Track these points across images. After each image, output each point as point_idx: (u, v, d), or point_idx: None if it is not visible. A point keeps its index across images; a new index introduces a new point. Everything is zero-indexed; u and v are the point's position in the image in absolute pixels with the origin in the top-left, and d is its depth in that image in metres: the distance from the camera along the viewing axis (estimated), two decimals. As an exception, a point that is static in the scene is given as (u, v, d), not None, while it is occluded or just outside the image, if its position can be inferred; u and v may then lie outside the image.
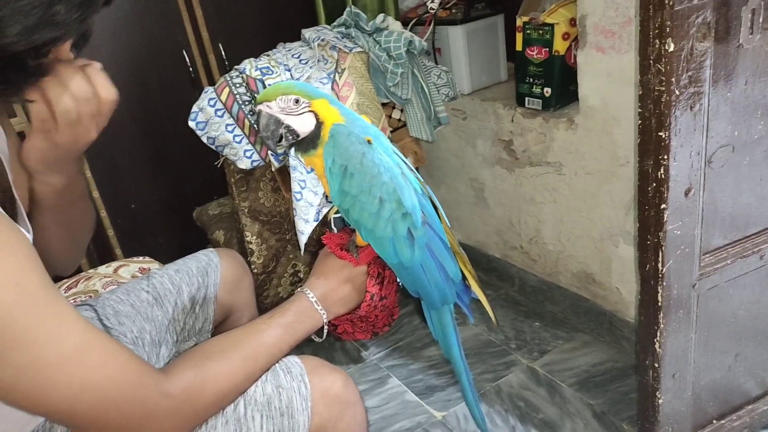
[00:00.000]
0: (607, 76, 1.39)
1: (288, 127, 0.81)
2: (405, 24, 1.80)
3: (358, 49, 1.42)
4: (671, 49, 0.86)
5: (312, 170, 1.29)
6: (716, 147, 0.98)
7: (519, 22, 1.57)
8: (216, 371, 0.72)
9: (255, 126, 1.36)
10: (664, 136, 0.91)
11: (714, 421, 1.24)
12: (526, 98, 1.62)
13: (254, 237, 1.53)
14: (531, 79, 1.59)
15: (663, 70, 0.88)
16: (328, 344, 1.83)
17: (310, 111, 0.82)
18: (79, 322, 0.61)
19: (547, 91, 1.56)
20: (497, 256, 1.96)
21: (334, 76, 1.34)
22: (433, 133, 1.63)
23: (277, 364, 0.80)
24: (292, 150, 0.86)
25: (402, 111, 1.59)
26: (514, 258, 1.90)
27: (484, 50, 1.82)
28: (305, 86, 0.84)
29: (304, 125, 0.82)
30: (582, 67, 1.44)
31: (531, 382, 1.55)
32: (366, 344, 1.80)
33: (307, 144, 0.83)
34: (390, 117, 1.58)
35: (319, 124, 0.82)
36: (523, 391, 1.52)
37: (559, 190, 1.64)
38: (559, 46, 1.51)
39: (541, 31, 1.53)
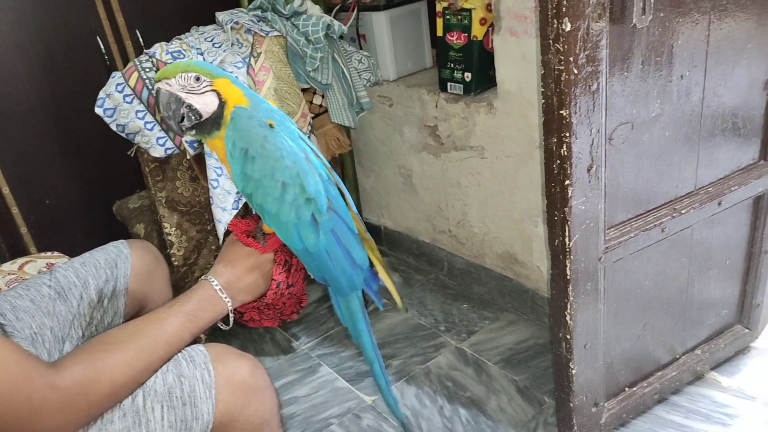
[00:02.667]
0: (522, 60, 1.42)
1: (190, 106, 0.79)
2: (329, 10, 1.78)
3: (275, 33, 1.39)
4: (568, 28, 0.89)
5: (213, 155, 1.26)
6: (616, 125, 1.02)
7: (439, 7, 1.59)
8: (111, 362, 0.69)
9: (156, 107, 1.31)
10: (565, 114, 0.94)
11: (626, 389, 1.30)
12: (448, 83, 1.64)
13: (173, 228, 1.49)
14: (452, 65, 1.61)
15: (561, 49, 0.90)
16: (257, 336, 1.80)
17: (213, 90, 0.80)
18: None
19: (468, 76, 1.59)
20: (427, 241, 1.98)
21: (250, 60, 1.31)
22: (356, 119, 1.62)
23: (179, 354, 0.78)
24: (193, 132, 0.83)
25: (323, 96, 1.57)
26: (443, 242, 1.92)
27: (408, 36, 1.83)
28: (206, 65, 0.82)
29: (206, 105, 0.80)
30: (498, 51, 1.47)
31: (459, 362, 1.58)
32: (297, 334, 1.78)
33: (210, 125, 0.81)
34: (311, 103, 1.56)
35: (222, 104, 0.80)
36: (451, 371, 1.55)
37: (483, 174, 1.67)
38: (477, 31, 1.53)
39: (459, 17, 1.55)
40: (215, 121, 0.80)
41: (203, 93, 0.79)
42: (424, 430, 1.38)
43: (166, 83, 0.78)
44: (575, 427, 1.23)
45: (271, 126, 0.79)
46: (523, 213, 1.60)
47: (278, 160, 0.77)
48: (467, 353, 1.60)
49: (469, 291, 1.86)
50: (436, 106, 1.70)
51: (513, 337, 1.64)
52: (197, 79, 0.79)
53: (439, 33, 1.60)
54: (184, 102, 0.79)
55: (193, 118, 0.80)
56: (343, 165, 2.00)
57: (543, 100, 0.97)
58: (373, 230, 2.17)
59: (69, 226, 1.99)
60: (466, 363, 1.57)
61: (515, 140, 1.53)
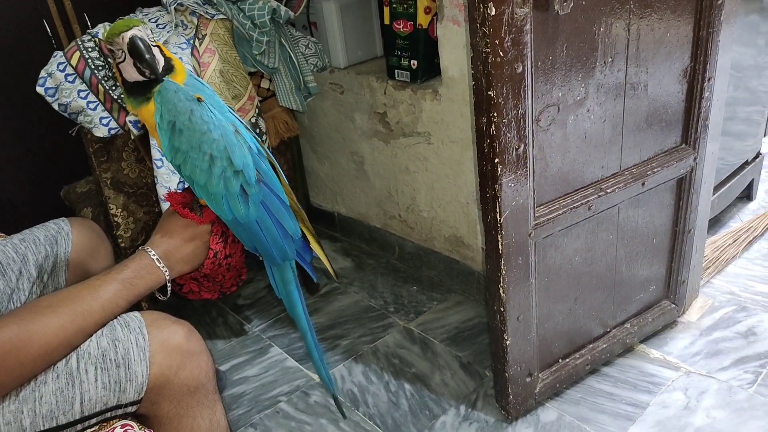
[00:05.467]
0: (464, 47, 1.47)
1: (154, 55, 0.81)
2: (280, -3, 1.80)
3: (221, 16, 1.41)
4: (493, 13, 0.94)
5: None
6: (542, 107, 1.08)
7: (385, -5, 1.63)
8: (44, 325, 0.71)
9: (110, 91, 1.32)
10: (493, 95, 1.00)
11: (560, 360, 1.37)
12: (396, 71, 1.69)
13: (119, 210, 1.49)
14: (399, 53, 1.65)
15: (488, 33, 0.95)
16: (210, 319, 1.82)
17: (156, 45, 0.82)
18: None
19: (414, 63, 1.63)
20: (378, 227, 2.03)
21: (194, 42, 1.33)
22: (304, 104, 1.65)
23: (114, 320, 0.80)
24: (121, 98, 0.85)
25: (271, 80, 1.59)
26: (394, 227, 1.97)
27: (359, 24, 1.86)
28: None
29: (160, 57, 0.82)
30: (441, 39, 1.52)
31: (406, 341, 1.63)
32: (249, 317, 1.81)
33: (142, 89, 0.82)
34: (259, 86, 1.58)
35: (167, 59, 0.83)
36: (398, 349, 1.60)
37: (430, 159, 1.72)
38: (422, 19, 1.58)
39: (405, 5, 1.59)
40: (147, 86, 0.82)
41: (155, 46, 0.82)
42: (370, 405, 1.43)
43: (138, 30, 0.80)
44: (511, 397, 1.30)
45: (199, 100, 0.81)
46: (468, 196, 1.66)
47: (205, 133, 0.80)
48: (414, 332, 1.66)
49: (419, 274, 1.91)
50: (385, 93, 1.74)
51: (459, 316, 1.70)
52: (151, 31, 0.81)
53: (386, 21, 1.64)
54: (152, 47, 0.81)
55: (158, 67, 0.81)
56: (292, 149, 2.02)
57: (473, 82, 1.02)
58: (327, 217, 2.20)
59: (15, 212, 1.96)
60: (413, 341, 1.62)
61: (459, 126, 1.58)
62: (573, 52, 1.07)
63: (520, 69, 1.00)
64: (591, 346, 1.41)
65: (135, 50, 0.79)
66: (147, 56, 0.79)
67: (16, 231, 1.56)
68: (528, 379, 1.31)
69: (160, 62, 0.81)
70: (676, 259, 1.46)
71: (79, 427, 0.77)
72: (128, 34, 0.79)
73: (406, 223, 1.92)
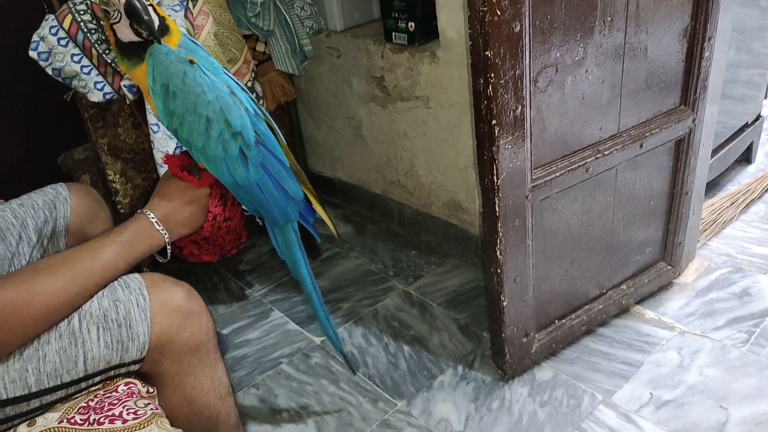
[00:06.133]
0: (462, 8, 1.45)
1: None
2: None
3: (215, -22, 1.39)
4: (490, -30, 0.92)
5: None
6: (540, 67, 1.07)
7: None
8: (45, 285, 0.72)
9: (104, 55, 1.31)
10: (490, 55, 0.99)
11: (556, 321, 1.39)
12: (393, 33, 1.66)
13: (117, 176, 1.49)
14: (396, 15, 1.63)
15: (485, -9, 0.94)
16: (211, 285, 1.84)
17: (150, 5, 0.81)
18: None
19: (411, 25, 1.61)
20: (378, 192, 2.03)
21: (188, 4, 1.31)
22: (300, 67, 1.63)
23: (115, 281, 0.81)
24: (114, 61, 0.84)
25: (266, 44, 1.58)
26: (393, 192, 1.98)
27: (355, -13, 1.83)
28: None
29: (155, 18, 0.81)
30: (440, 0, 1.49)
31: (405, 304, 1.65)
32: (251, 282, 1.83)
33: (136, 50, 0.82)
34: (254, 50, 1.56)
35: (162, 18, 0.82)
36: (397, 312, 1.62)
37: (428, 124, 1.71)
38: (420, -21, 1.55)
39: (402, -35, 1.56)
40: (141, 46, 0.81)
41: (149, 5, 0.81)
42: (370, 366, 1.45)
43: None
44: (507, 356, 1.32)
45: (191, 62, 0.81)
46: (466, 161, 1.66)
47: (199, 95, 0.80)
48: (413, 296, 1.68)
49: (418, 239, 1.92)
50: (382, 57, 1.72)
51: (457, 280, 1.72)
52: None
53: (384, -18, 1.61)
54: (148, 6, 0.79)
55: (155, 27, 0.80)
56: (290, 112, 2.01)
57: (470, 42, 1.01)
58: (328, 183, 2.21)
59: (12, 179, 1.96)
60: (412, 304, 1.64)
61: (458, 89, 1.57)
62: (572, 10, 1.06)
63: (518, 28, 0.99)
64: (587, 307, 1.43)
65: (133, 11, 0.77)
66: (145, 17, 0.78)
67: (14, 197, 1.56)
68: (524, 340, 1.33)
69: (156, 23, 0.80)
70: (673, 221, 1.47)
71: (83, 384, 0.79)
72: None
73: (405, 188, 1.92)
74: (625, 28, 1.14)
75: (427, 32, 1.63)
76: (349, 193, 2.16)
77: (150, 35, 0.79)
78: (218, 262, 1.67)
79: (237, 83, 0.86)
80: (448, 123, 1.65)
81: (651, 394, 1.28)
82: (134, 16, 0.77)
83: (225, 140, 0.82)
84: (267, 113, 0.90)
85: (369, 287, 1.74)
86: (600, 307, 1.44)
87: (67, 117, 1.91)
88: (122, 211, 1.55)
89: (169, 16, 1.32)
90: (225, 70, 0.86)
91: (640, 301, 1.53)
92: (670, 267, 1.53)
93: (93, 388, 0.81)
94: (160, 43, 0.80)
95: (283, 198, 0.90)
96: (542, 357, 1.39)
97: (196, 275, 1.87)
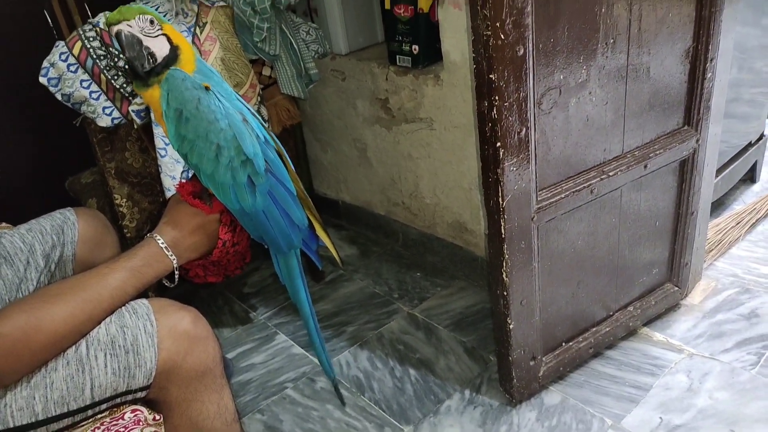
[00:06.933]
0: (465, 31, 1.47)
1: (147, 48, 0.82)
2: (279, -16, 1.79)
3: (222, 3, 1.41)
4: (494, -5, 0.93)
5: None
6: (544, 90, 1.08)
7: (386, -20, 1.62)
8: (53, 312, 0.72)
9: (112, 81, 1.32)
10: (494, 78, 1.00)
11: (563, 344, 1.38)
12: (397, 56, 1.68)
13: (124, 200, 1.50)
14: (400, 38, 1.65)
15: (488, 15, 0.95)
16: (216, 308, 1.83)
17: (163, 34, 0.83)
18: None
19: (416, 48, 1.63)
20: (382, 214, 2.03)
21: (195, 30, 1.33)
22: (305, 90, 1.65)
23: (123, 307, 0.81)
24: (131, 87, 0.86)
25: (272, 68, 1.59)
26: (398, 214, 1.98)
27: (359, 10, 1.86)
28: (153, 9, 0.84)
29: (161, 48, 0.82)
30: (443, 23, 1.51)
31: (410, 326, 1.64)
32: (255, 305, 1.82)
33: (149, 73, 0.83)
34: (260, 74, 1.58)
35: (174, 48, 0.83)
36: (402, 335, 1.61)
37: (432, 145, 1.72)
38: (423, 3, 1.57)
39: (407, -10, 1.58)
40: (160, 67, 0.83)
41: (157, 36, 0.82)
42: (376, 391, 1.44)
43: (127, 25, 0.80)
44: (515, 380, 1.31)
45: (207, 89, 0.82)
46: (471, 182, 1.66)
47: (212, 122, 0.81)
48: (419, 318, 1.67)
49: (423, 260, 1.92)
50: (387, 79, 1.74)
51: (462, 302, 1.71)
52: (152, 22, 0.82)
53: (387, 6, 1.64)
54: (143, 44, 0.81)
55: (151, 61, 0.82)
56: (295, 137, 2.03)
57: (474, 66, 1.02)
58: (332, 205, 2.21)
59: (20, 203, 1.97)
60: (417, 327, 1.63)
61: (462, 111, 1.58)
62: (574, 33, 1.07)
63: (522, 51, 1.00)
64: (594, 329, 1.42)
65: (120, 46, 0.80)
66: (128, 54, 0.80)
67: (21, 222, 1.57)
68: (531, 363, 1.31)
69: (159, 53, 0.81)
70: (678, 241, 1.46)
71: (90, 412, 0.79)
72: (115, 29, 0.80)
73: (409, 209, 1.92)
74: (628, 50, 1.16)
75: (430, 55, 1.65)
76: (353, 215, 2.16)
77: (141, 68, 0.81)
78: (222, 283, 1.67)
79: (249, 109, 0.87)
80: (452, 144, 1.66)
81: (661, 418, 1.26)
82: (121, 50, 0.81)
83: (234, 168, 0.83)
84: (276, 139, 0.91)
85: (374, 310, 1.73)
86: (607, 329, 1.43)
87: (75, 141, 1.93)
88: (129, 235, 1.55)
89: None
90: (237, 96, 0.87)
91: (647, 323, 1.51)
92: (677, 288, 1.52)
93: (99, 416, 0.80)
94: (150, 75, 0.82)
95: (287, 225, 0.90)
96: (550, 380, 1.38)
97: (201, 298, 1.87)
